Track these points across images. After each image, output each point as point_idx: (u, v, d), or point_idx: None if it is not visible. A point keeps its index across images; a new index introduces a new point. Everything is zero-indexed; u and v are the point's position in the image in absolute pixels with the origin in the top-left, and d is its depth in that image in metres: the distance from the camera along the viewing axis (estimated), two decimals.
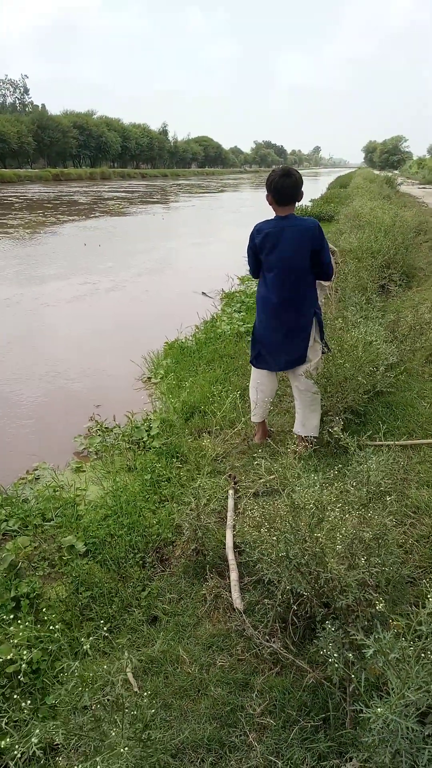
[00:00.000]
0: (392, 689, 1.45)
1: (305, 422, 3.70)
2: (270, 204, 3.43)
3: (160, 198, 39.56)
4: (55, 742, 1.94)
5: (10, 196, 36.04)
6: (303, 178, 3.41)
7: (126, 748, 1.44)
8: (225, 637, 2.32)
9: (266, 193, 3.41)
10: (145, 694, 1.64)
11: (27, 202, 31.79)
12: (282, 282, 3.44)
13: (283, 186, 3.30)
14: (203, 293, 9.55)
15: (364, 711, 1.46)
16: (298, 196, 3.37)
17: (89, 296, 9.89)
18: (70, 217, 23.67)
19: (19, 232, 18.70)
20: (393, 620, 1.76)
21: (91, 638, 1.77)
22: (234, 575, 2.60)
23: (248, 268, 3.75)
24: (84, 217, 24.43)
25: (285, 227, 3.35)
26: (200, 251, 15.60)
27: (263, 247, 3.43)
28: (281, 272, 3.43)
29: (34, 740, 1.45)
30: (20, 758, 1.84)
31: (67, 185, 54.03)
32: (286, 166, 3.39)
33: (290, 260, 3.38)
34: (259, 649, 2.21)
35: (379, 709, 1.41)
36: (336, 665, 1.70)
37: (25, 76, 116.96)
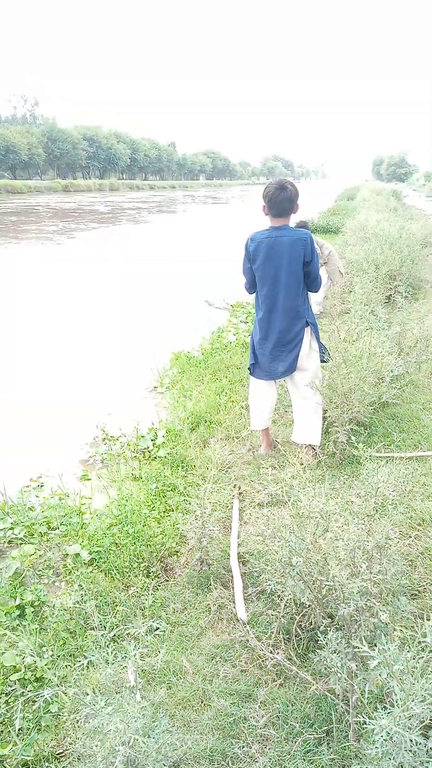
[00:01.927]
0: (396, 701, 1.45)
1: (303, 430, 3.72)
2: (265, 215, 3.48)
3: (175, 207, 41.31)
4: (59, 751, 1.94)
5: (37, 206, 37.88)
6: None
7: (123, 747, 1.44)
8: (228, 648, 2.31)
9: (262, 204, 3.47)
10: (148, 704, 1.64)
11: (52, 211, 33.48)
12: (274, 291, 3.51)
13: (278, 199, 3.36)
14: (207, 302, 9.56)
15: (367, 723, 1.45)
16: (294, 208, 3.43)
17: (95, 300, 9.95)
18: (101, 224, 25.94)
19: (58, 237, 20.37)
20: (397, 630, 1.76)
21: (95, 649, 1.77)
22: (238, 586, 2.60)
23: (244, 281, 3.74)
24: (110, 224, 26.25)
25: (278, 237, 3.41)
26: (216, 257, 15.83)
27: (256, 257, 3.49)
28: (273, 282, 3.49)
29: None
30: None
31: (82, 196, 55.50)
32: (281, 180, 3.44)
33: (282, 270, 3.44)
34: (262, 661, 2.21)
35: (382, 722, 1.41)
36: (339, 676, 1.70)
37: (36, 89, 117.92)
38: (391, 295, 7.54)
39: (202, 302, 9.63)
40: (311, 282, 3.54)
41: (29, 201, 44.44)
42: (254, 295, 3.71)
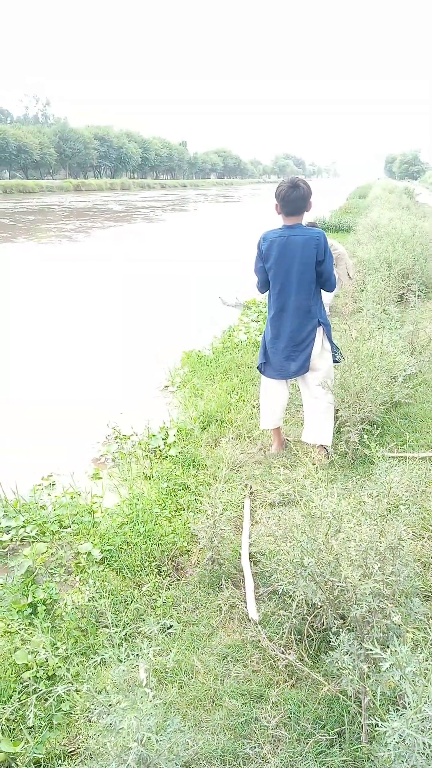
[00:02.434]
0: (409, 703, 1.43)
1: (314, 430, 3.70)
2: (278, 214, 3.47)
3: (188, 206, 42.24)
4: (71, 749, 1.95)
5: (52, 205, 38.71)
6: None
7: (136, 744, 1.44)
8: (240, 648, 2.31)
9: (275, 203, 3.46)
10: (159, 702, 1.65)
11: (68, 210, 34.19)
12: (286, 290, 3.50)
13: (291, 197, 3.35)
14: (220, 298, 9.54)
15: (379, 725, 1.44)
16: (307, 207, 3.43)
17: (107, 300, 9.98)
18: (117, 222, 26.74)
19: (76, 235, 21.18)
20: (409, 632, 1.74)
21: (107, 647, 1.78)
22: (249, 586, 2.60)
23: (257, 281, 3.73)
24: (125, 222, 27.03)
25: (290, 236, 3.40)
26: (229, 257, 15.92)
27: (268, 256, 3.48)
28: (285, 281, 3.48)
29: None
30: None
31: (95, 195, 56.47)
32: (294, 178, 3.42)
33: (294, 269, 3.43)
34: (274, 661, 2.20)
35: (395, 724, 1.40)
36: (351, 677, 1.69)
37: (48, 88, 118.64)
38: (403, 293, 7.49)
39: (213, 301, 9.62)
40: (324, 281, 3.52)
41: (44, 200, 45.40)
42: (267, 294, 3.70)
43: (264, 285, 3.65)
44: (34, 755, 1.90)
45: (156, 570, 2.81)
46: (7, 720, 2.03)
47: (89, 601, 2.54)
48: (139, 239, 20.67)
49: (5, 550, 3.15)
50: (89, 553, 2.89)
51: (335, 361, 3.70)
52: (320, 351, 3.60)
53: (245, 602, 2.54)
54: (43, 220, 28.41)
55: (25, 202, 42.22)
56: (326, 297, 7.68)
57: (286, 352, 3.60)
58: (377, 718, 1.53)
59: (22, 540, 3.19)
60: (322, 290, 3.63)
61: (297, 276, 3.44)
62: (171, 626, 2.44)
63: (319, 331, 3.58)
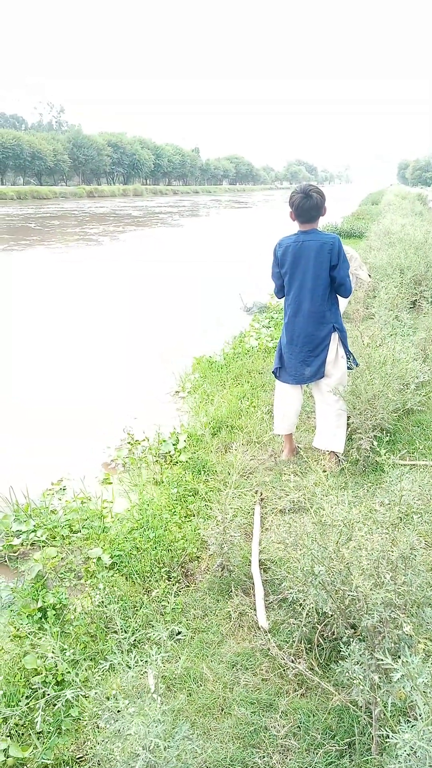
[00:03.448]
0: (420, 715, 1.42)
1: (325, 436, 3.69)
2: (293, 220, 3.53)
3: (205, 211, 43.63)
4: (79, 755, 1.94)
5: (73, 211, 40.05)
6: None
7: (144, 751, 1.44)
8: (249, 656, 2.29)
9: (290, 210, 3.51)
10: (168, 709, 1.64)
11: (90, 216, 35.43)
12: (301, 295, 3.53)
13: (304, 207, 3.42)
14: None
15: (390, 737, 1.42)
16: (320, 215, 3.48)
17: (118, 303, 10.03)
18: (138, 227, 28.17)
19: (101, 238, 22.34)
20: (421, 643, 1.72)
21: (116, 653, 1.77)
22: (259, 593, 2.58)
23: (274, 286, 3.78)
24: (147, 227, 28.26)
25: (305, 241, 3.45)
26: (247, 257, 16.12)
27: (284, 261, 3.53)
28: (300, 286, 3.51)
29: None
30: None
31: (111, 201, 57.80)
32: (307, 187, 3.45)
33: (309, 274, 3.46)
34: (283, 670, 2.19)
35: (406, 736, 1.38)
36: (362, 688, 1.67)
37: (61, 96, 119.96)
38: (416, 300, 7.45)
39: (228, 305, 9.61)
40: (338, 287, 3.52)
41: (63, 206, 46.75)
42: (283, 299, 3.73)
43: (280, 290, 3.69)
44: (43, 761, 1.90)
45: (165, 576, 2.81)
46: (16, 725, 2.04)
47: (99, 606, 2.54)
48: (161, 242, 21.43)
49: (16, 554, 3.16)
50: (99, 558, 2.90)
51: (349, 368, 3.69)
52: (335, 357, 3.60)
53: (255, 610, 2.52)
54: (68, 224, 29.52)
55: (45, 208, 43.59)
56: (341, 303, 7.66)
57: (301, 356, 3.60)
58: (388, 730, 1.51)
59: (32, 544, 3.20)
60: (338, 296, 3.63)
61: (311, 281, 3.46)
62: (180, 633, 2.43)
63: (334, 336, 3.58)
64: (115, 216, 35.58)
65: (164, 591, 2.68)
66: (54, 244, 20.48)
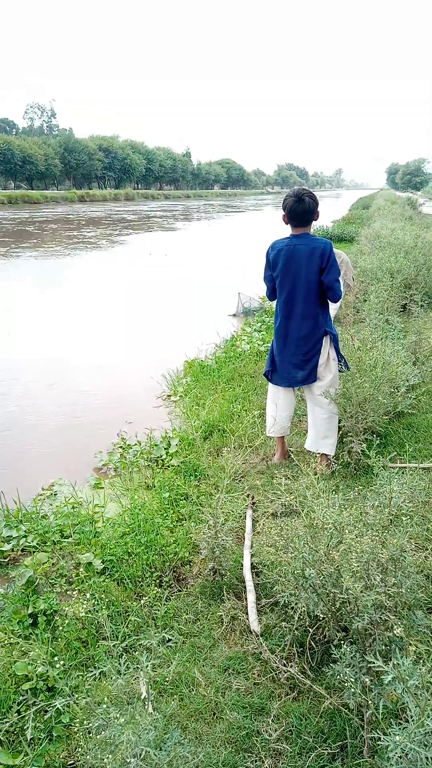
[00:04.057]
0: (411, 717, 1.42)
1: (317, 439, 3.70)
2: (286, 224, 3.55)
3: (198, 215, 44.17)
4: (70, 762, 1.93)
5: (69, 215, 40.36)
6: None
7: (134, 759, 1.43)
8: (241, 660, 2.29)
9: (282, 214, 3.54)
10: (159, 716, 1.63)
11: (86, 220, 35.73)
12: (292, 298, 3.54)
13: (297, 211, 3.44)
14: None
15: (382, 739, 1.43)
16: (313, 218, 3.50)
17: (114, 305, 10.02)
18: (134, 231, 28.27)
19: (102, 242, 22.90)
20: (412, 645, 1.73)
21: (107, 660, 1.77)
22: (251, 597, 2.58)
23: (265, 289, 3.80)
24: (142, 231, 28.50)
25: (297, 245, 3.47)
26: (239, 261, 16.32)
27: (276, 264, 3.55)
28: (291, 289, 3.53)
29: None
30: None
31: (105, 205, 58.47)
32: (300, 191, 3.47)
33: (300, 278, 3.48)
34: (275, 674, 2.18)
35: (397, 738, 1.38)
36: (353, 690, 1.67)
37: (53, 100, 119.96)
38: (406, 304, 7.49)
39: (220, 310, 9.62)
40: (327, 291, 3.53)
41: (56, 210, 46.95)
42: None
43: (272, 293, 3.71)
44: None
45: (157, 581, 2.80)
46: (7, 732, 2.02)
47: (90, 612, 2.53)
48: (159, 245, 21.54)
49: (6, 560, 3.14)
50: (90, 564, 2.88)
51: (340, 371, 3.70)
52: (327, 360, 3.61)
53: (247, 614, 2.52)
54: (65, 228, 29.76)
55: (39, 212, 43.95)
56: (331, 307, 7.69)
57: (293, 360, 3.61)
58: (380, 732, 1.51)
59: (23, 550, 3.18)
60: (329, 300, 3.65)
61: (303, 285, 3.48)
62: (170, 639, 2.42)
63: (326, 339, 3.59)
64: (111, 220, 35.98)
65: (156, 596, 2.67)
66: (54, 247, 20.78)
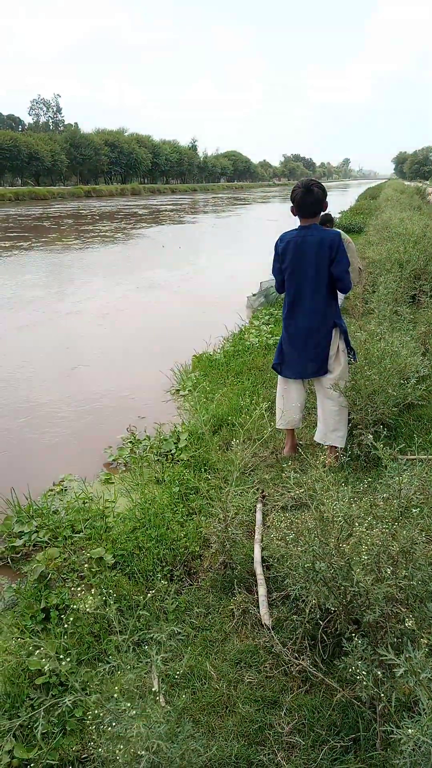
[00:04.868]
0: (424, 710, 1.41)
1: (327, 431, 3.69)
2: (294, 215, 3.53)
3: (206, 209, 44.73)
4: (83, 755, 1.94)
5: (82, 210, 41.06)
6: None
7: (146, 752, 1.43)
8: (253, 654, 2.29)
9: (291, 205, 3.53)
10: (171, 709, 1.63)
11: (99, 215, 36.32)
12: (301, 291, 3.53)
13: (305, 202, 3.43)
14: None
15: (394, 732, 1.42)
16: (321, 209, 3.49)
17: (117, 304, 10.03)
18: (148, 225, 28.93)
19: (117, 235, 23.54)
20: (424, 637, 1.72)
21: (118, 654, 1.77)
22: (262, 590, 2.58)
23: (274, 281, 3.78)
24: (154, 224, 29.13)
25: (306, 236, 3.45)
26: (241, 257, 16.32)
27: (284, 256, 3.53)
28: (300, 281, 3.51)
29: None
30: None
31: (115, 200, 59.06)
32: (308, 182, 3.46)
33: (308, 270, 3.46)
34: (287, 667, 2.18)
35: (410, 731, 1.38)
36: (365, 683, 1.66)
37: (58, 95, 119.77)
38: (415, 294, 7.44)
39: (230, 303, 9.59)
40: (336, 282, 3.51)
41: (70, 205, 47.58)
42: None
43: (281, 285, 3.69)
44: (47, 762, 1.90)
45: (168, 575, 2.80)
46: (21, 726, 2.03)
47: (101, 606, 2.54)
48: (175, 239, 22.05)
49: (19, 556, 3.16)
50: (102, 558, 2.89)
51: (349, 363, 3.68)
52: (336, 352, 3.59)
53: (258, 607, 2.52)
54: (81, 222, 30.34)
55: (51, 207, 44.53)
56: (339, 298, 7.64)
57: (303, 352, 3.60)
58: (392, 725, 1.50)
59: (35, 545, 3.20)
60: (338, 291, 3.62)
61: (312, 276, 3.46)
62: (179, 633, 2.42)
63: (336, 332, 3.57)
64: (123, 214, 36.60)
65: (167, 590, 2.68)
66: (72, 241, 21.28)
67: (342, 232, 7.65)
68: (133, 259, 17.04)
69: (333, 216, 8.68)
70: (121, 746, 1.45)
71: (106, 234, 23.67)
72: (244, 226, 29.52)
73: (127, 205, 47.34)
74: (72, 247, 19.59)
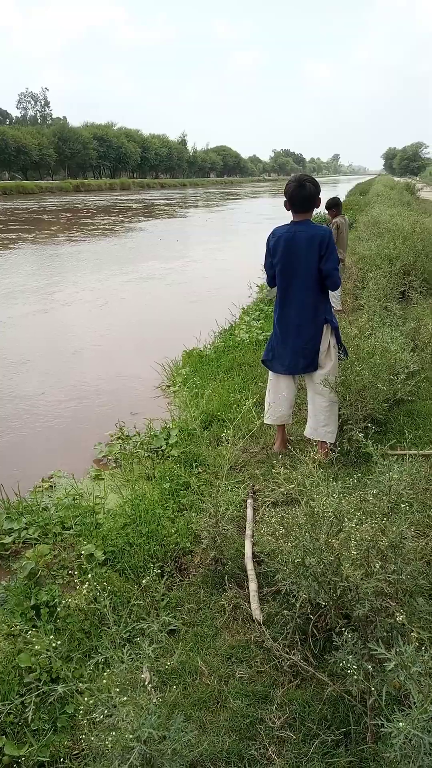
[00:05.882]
0: (414, 703, 1.42)
1: (317, 426, 3.70)
2: (287, 210, 3.53)
3: (198, 204, 45.32)
4: (74, 751, 1.94)
5: (77, 204, 41.43)
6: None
7: (138, 743, 1.43)
8: (244, 649, 2.30)
9: (284, 200, 3.52)
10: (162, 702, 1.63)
11: (95, 209, 36.67)
12: (292, 286, 3.53)
13: (298, 196, 3.42)
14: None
15: (385, 726, 1.43)
16: (314, 204, 3.49)
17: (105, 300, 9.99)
18: (145, 218, 29.38)
19: (117, 228, 23.95)
20: (414, 631, 1.73)
21: (110, 649, 1.77)
22: (253, 585, 2.59)
23: (266, 276, 3.78)
24: (151, 218, 29.61)
25: (297, 232, 3.46)
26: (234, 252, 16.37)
27: (276, 251, 3.53)
28: (291, 277, 3.52)
29: None
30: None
31: (108, 195, 59.35)
32: (302, 176, 3.45)
33: (299, 266, 3.47)
34: (278, 661, 2.19)
35: (400, 724, 1.39)
36: (356, 677, 1.68)
37: (46, 89, 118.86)
38: (405, 290, 7.47)
39: (221, 299, 9.58)
40: (325, 279, 3.51)
41: (62, 199, 47.85)
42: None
43: (272, 280, 3.69)
44: (39, 759, 1.90)
45: (159, 571, 2.80)
46: (11, 723, 2.03)
47: (91, 602, 2.53)
48: (171, 233, 22.25)
49: (8, 553, 3.14)
50: (92, 555, 2.89)
51: (340, 359, 3.69)
52: (327, 348, 3.60)
53: (249, 602, 2.52)
54: (81, 216, 30.62)
55: (46, 201, 44.93)
56: (333, 297, 7.66)
57: (294, 348, 3.60)
58: (383, 719, 1.51)
59: (24, 542, 3.18)
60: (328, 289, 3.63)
61: (302, 272, 3.47)
62: (171, 625, 2.42)
63: (326, 328, 3.58)
64: (119, 208, 37.04)
65: (157, 586, 2.68)
66: (74, 233, 21.67)
67: (346, 217, 7.69)
68: (136, 250, 17.43)
69: (324, 212, 8.69)
70: (113, 736, 1.45)
71: (106, 227, 24.05)
72: (238, 220, 29.52)
73: (120, 200, 47.63)
74: (75, 239, 19.92)
